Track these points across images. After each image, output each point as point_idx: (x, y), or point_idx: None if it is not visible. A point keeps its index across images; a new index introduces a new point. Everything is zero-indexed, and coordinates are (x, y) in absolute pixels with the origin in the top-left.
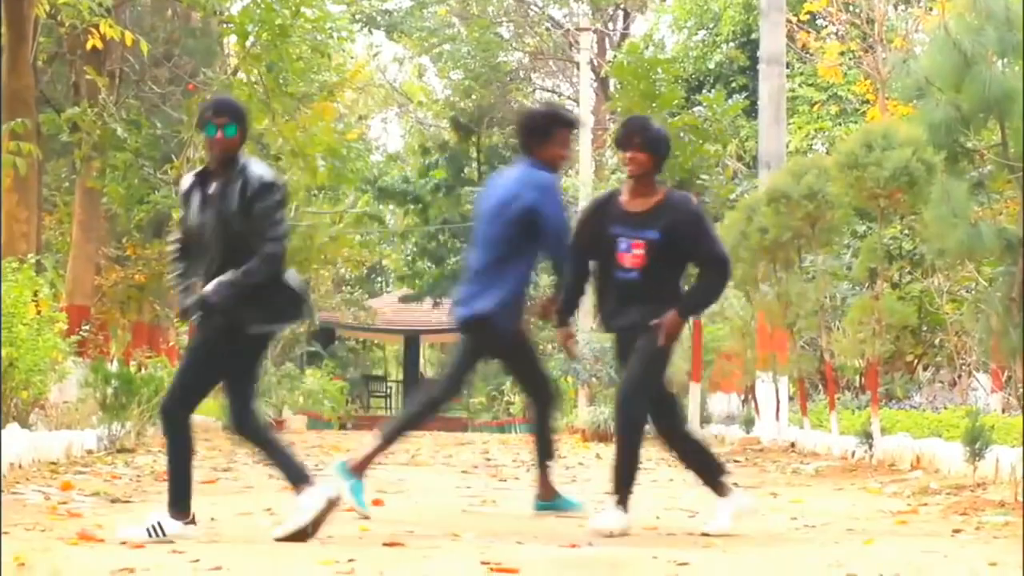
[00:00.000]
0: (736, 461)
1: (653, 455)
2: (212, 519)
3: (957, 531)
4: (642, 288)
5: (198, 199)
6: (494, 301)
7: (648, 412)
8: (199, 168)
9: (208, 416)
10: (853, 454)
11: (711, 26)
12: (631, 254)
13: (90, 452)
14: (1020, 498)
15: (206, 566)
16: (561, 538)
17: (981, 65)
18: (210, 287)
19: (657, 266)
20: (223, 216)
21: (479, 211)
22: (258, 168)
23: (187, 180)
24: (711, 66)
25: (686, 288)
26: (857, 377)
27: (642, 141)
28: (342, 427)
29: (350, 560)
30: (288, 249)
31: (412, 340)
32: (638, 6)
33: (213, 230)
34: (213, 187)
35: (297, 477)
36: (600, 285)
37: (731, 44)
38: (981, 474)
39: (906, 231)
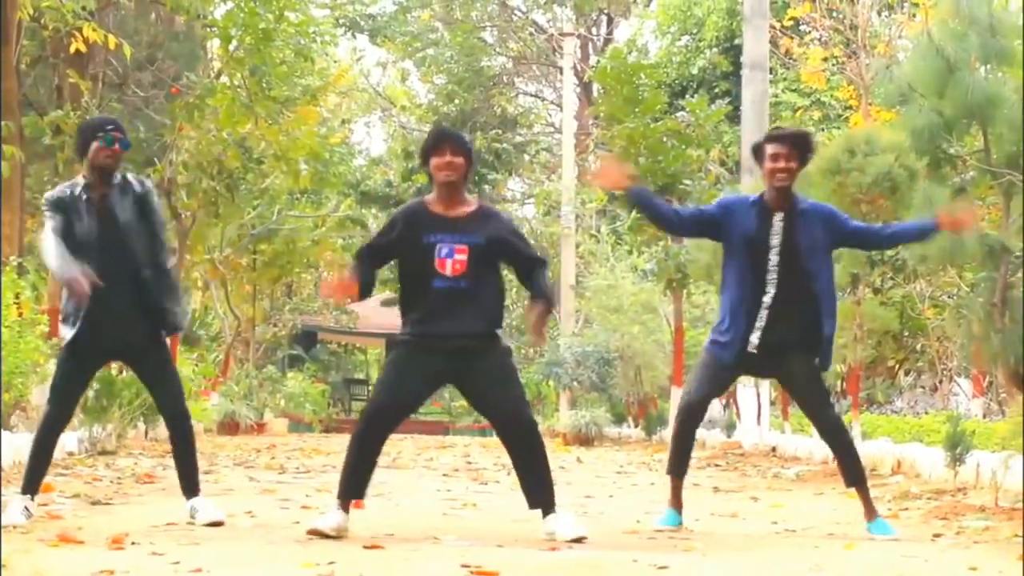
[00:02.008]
0: (717, 465)
1: (634, 459)
2: (192, 520)
3: (937, 536)
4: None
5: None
6: None
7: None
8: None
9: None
10: (833, 459)
11: (694, 31)
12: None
13: (71, 454)
14: (1021, 504)
15: (186, 568)
16: (542, 542)
17: (964, 71)
18: None
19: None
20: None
21: None
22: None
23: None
24: (694, 71)
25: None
26: (839, 382)
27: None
28: (324, 430)
29: (330, 563)
30: (271, 253)
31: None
32: (622, 11)
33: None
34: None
35: None
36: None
37: (714, 49)
38: (962, 479)
39: None
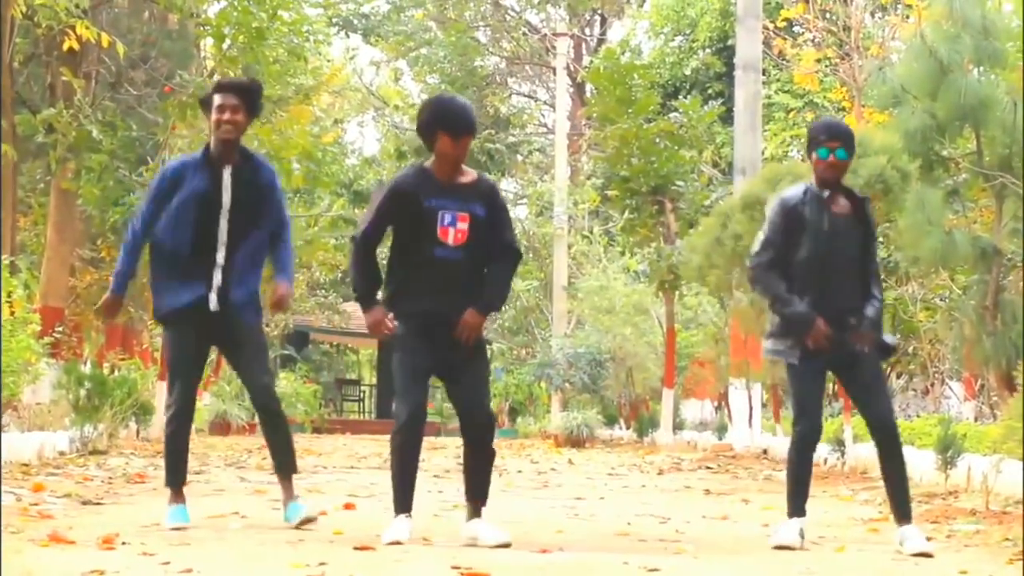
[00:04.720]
0: (708, 468)
1: (625, 461)
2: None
3: (928, 539)
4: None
5: None
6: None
7: None
8: None
9: None
10: (825, 461)
11: (688, 32)
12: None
13: (62, 454)
14: None
15: (176, 568)
16: (532, 544)
17: (957, 73)
18: None
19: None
20: None
21: None
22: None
23: None
24: (687, 72)
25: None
26: (830, 385)
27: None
28: (315, 431)
29: (321, 564)
30: None
31: (386, 344)
32: (615, 12)
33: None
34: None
35: None
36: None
37: (707, 50)
38: (953, 482)
39: (880, 239)
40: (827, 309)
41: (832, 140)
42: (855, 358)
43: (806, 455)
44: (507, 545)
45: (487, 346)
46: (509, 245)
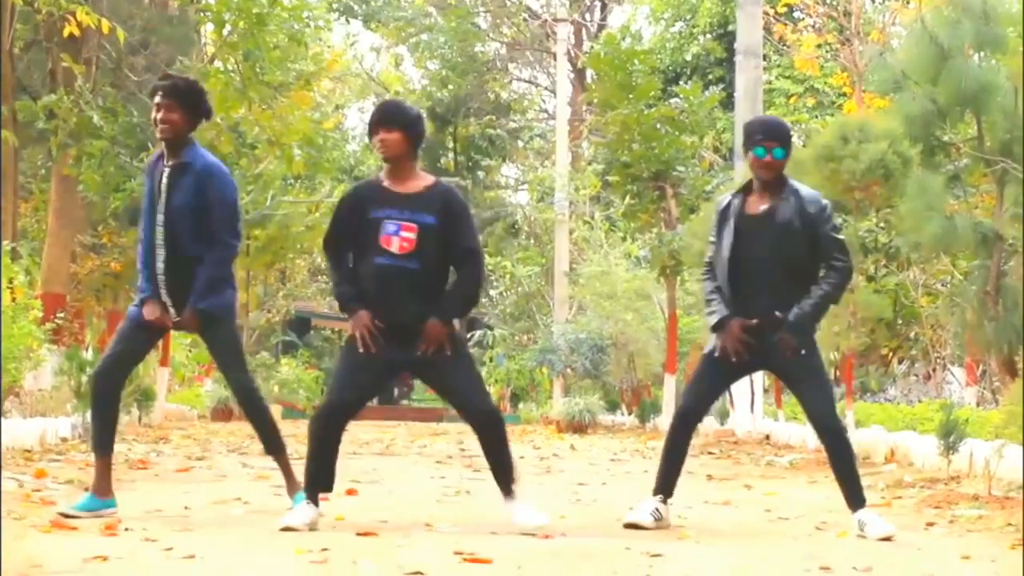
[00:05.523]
0: (711, 453)
1: (627, 447)
2: (186, 507)
3: (931, 524)
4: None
5: None
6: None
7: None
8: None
9: (183, 404)
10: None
11: (688, 18)
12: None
13: (64, 440)
14: None
15: (179, 554)
16: (535, 528)
17: (958, 58)
18: None
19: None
20: None
21: None
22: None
23: None
24: (688, 58)
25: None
26: (832, 370)
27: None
28: None
29: (323, 549)
30: (264, 238)
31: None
32: None
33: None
34: None
35: None
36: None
37: (708, 36)
38: (955, 468)
39: (882, 224)
40: (746, 310)
41: (769, 139)
42: (783, 360)
43: (679, 432)
44: (543, 527)
45: (467, 340)
46: (467, 249)
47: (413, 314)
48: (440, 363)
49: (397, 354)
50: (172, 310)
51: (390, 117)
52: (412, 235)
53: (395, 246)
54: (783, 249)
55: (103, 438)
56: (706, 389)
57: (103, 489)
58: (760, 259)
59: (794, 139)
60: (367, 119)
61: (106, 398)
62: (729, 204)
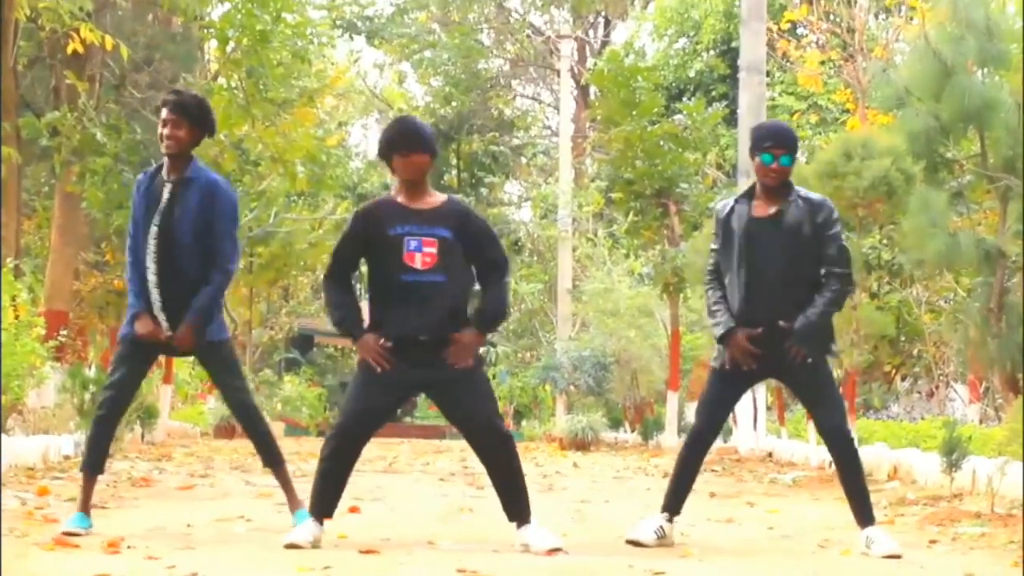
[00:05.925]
0: (713, 471)
1: (631, 464)
2: (188, 525)
3: (933, 542)
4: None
5: None
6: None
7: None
8: None
9: (186, 422)
10: (831, 464)
11: (692, 34)
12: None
13: (67, 458)
14: None
15: (182, 572)
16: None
17: (961, 75)
18: None
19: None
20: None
21: None
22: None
23: None
24: (691, 74)
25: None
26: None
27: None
28: (320, 434)
29: (326, 567)
30: (267, 255)
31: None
32: (619, 14)
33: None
34: None
35: None
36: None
37: (711, 52)
38: (958, 485)
39: (885, 241)
40: (754, 318)
41: (777, 147)
42: (793, 367)
43: (692, 450)
44: (558, 550)
45: (483, 358)
46: (492, 262)
47: (442, 328)
48: (461, 381)
49: (413, 374)
50: (166, 324)
51: (417, 140)
52: (433, 249)
53: (418, 262)
54: (792, 251)
55: (99, 459)
56: (718, 405)
57: (88, 507)
58: (770, 259)
59: (798, 154)
60: (372, 136)
61: (111, 423)
62: (733, 209)
